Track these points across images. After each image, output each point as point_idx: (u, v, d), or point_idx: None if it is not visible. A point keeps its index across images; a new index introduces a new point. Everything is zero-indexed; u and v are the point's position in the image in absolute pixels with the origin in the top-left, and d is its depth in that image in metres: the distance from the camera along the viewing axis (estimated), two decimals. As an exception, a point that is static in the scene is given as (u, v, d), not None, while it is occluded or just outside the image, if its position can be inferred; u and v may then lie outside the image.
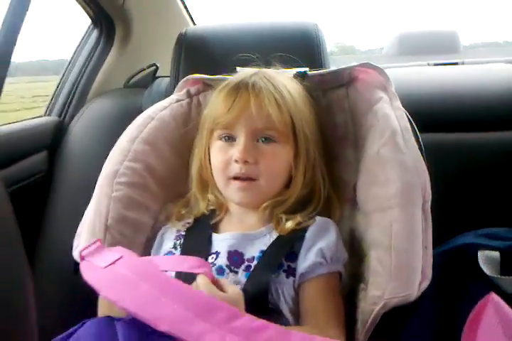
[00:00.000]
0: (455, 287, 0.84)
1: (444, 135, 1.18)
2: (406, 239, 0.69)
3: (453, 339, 0.54)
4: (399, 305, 0.65)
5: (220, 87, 0.85)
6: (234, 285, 0.67)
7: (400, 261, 0.68)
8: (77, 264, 0.73)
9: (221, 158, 0.80)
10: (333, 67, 0.97)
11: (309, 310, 0.72)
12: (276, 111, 0.78)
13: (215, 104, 0.83)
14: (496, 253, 0.92)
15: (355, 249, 0.78)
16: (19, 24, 0.97)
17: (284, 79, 0.84)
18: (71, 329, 0.60)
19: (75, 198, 1.10)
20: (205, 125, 0.85)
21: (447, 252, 0.94)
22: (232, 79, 0.85)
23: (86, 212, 0.82)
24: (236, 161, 0.78)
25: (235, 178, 0.79)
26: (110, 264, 0.61)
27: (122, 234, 0.80)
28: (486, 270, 0.90)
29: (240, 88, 0.80)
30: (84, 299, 0.67)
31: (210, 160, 0.85)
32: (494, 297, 0.45)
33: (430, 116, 1.15)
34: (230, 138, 0.80)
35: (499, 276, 0.89)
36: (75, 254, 0.75)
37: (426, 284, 0.66)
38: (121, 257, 0.62)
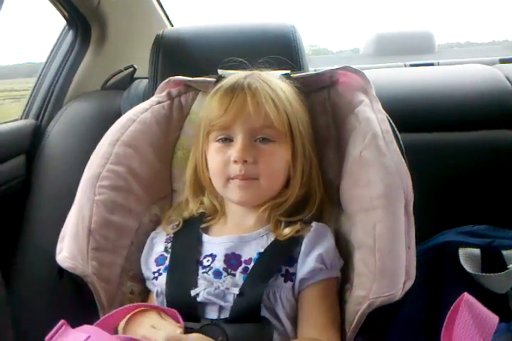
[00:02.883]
0: (438, 285, 0.86)
1: (421, 135, 1.21)
2: (389, 239, 0.70)
3: (437, 337, 0.56)
4: (383, 304, 0.65)
5: (215, 90, 0.84)
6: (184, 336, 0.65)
7: (383, 261, 0.69)
8: (61, 269, 0.73)
9: (219, 159, 0.80)
10: (310, 69, 0.97)
11: (309, 315, 0.73)
12: (273, 110, 0.78)
13: (211, 107, 0.83)
14: (477, 251, 0.95)
15: (340, 250, 0.78)
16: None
17: (277, 79, 0.85)
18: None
19: (54, 202, 1.09)
20: (201, 128, 0.85)
21: (429, 250, 0.96)
22: (225, 81, 0.85)
23: (68, 217, 0.80)
24: (235, 161, 0.78)
25: (234, 178, 0.79)
26: None
27: (106, 238, 0.80)
28: (467, 267, 0.92)
29: (236, 89, 0.80)
30: (67, 303, 0.67)
31: (207, 163, 0.84)
32: (468, 297, 0.46)
33: (407, 116, 1.16)
34: (228, 140, 0.80)
35: (480, 273, 0.92)
36: (59, 259, 0.74)
37: (410, 284, 0.67)
38: (88, 338, 0.60)
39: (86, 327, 0.62)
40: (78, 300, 0.74)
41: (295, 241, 0.77)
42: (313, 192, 0.83)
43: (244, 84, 0.80)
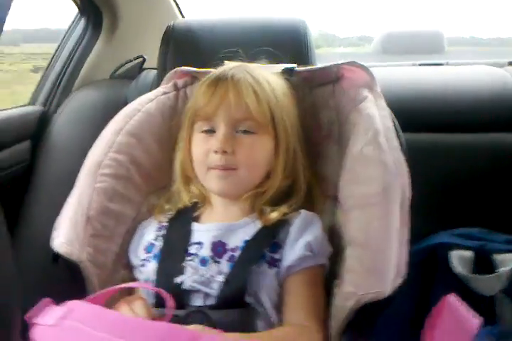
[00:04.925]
0: (428, 285, 0.86)
1: (427, 135, 1.20)
2: (382, 237, 0.70)
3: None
4: (372, 301, 0.65)
5: (203, 80, 0.86)
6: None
7: (374, 258, 0.69)
8: (55, 254, 0.74)
9: (201, 149, 0.81)
10: (318, 64, 0.97)
11: (293, 302, 0.73)
12: (254, 102, 0.79)
13: (197, 97, 0.84)
14: (469, 253, 0.95)
15: (333, 245, 0.78)
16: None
17: (265, 72, 0.85)
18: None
19: (56, 188, 1.09)
20: (187, 118, 0.86)
21: (422, 250, 0.96)
22: (214, 72, 0.86)
23: (67, 203, 0.81)
24: (215, 152, 0.79)
25: (215, 168, 0.80)
26: (58, 320, 0.59)
27: (104, 225, 0.80)
28: (458, 269, 0.92)
29: (220, 80, 0.81)
30: (64, 288, 0.67)
31: (191, 152, 0.85)
32: (450, 298, 0.47)
33: (414, 116, 1.17)
34: (210, 131, 0.81)
35: (469, 275, 0.92)
36: (55, 244, 0.75)
37: (399, 281, 0.67)
38: (72, 310, 0.60)
39: (70, 302, 0.62)
40: (70, 287, 0.75)
41: (282, 225, 0.77)
42: (299, 184, 0.83)
43: (228, 75, 0.81)
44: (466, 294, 0.90)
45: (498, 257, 0.97)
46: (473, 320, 0.46)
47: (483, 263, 0.97)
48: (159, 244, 0.80)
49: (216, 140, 0.79)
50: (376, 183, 0.74)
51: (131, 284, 0.70)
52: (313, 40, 1.20)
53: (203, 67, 0.95)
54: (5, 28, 0.67)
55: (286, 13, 1.29)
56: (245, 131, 0.80)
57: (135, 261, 0.82)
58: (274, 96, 0.81)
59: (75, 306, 0.61)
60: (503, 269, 0.95)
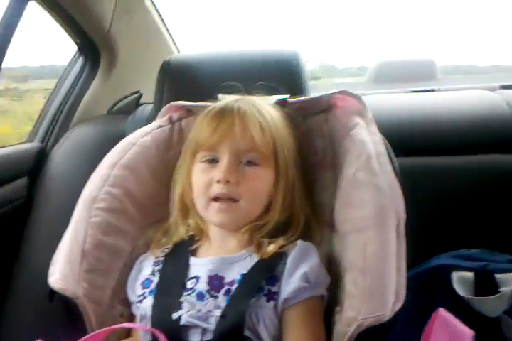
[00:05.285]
0: (430, 308, 0.85)
1: (421, 159, 1.21)
2: (379, 260, 0.70)
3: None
4: (372, 325, 0.65)
5: (205, 112, 0.86)
6: None
7: (373, 282, 0.69)
8: (52, 291, 0.73)
9: (203, 179, 0.81)
10: (313, 93, 0.99)
11: (292, 335, 0.72)
12: (259, 134, 0.79)
13: (200, 128, 0.84)
14: (470, 274, 0.94)
15: (332, 273, 0.78)
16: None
17: (267, 105, 0.86)
18: None
19: (54, 224, 1.09)
20: (188, 148, 0.86)
21: (422, 274, 0.95)
22: (217, 104, 0.86)
23: (63, 238, 0.81)
24: (218, 181, 0.79)
25: (216, 199, 0.79)
26: None
27: (99, 260, 0.80)
28: (460, 291, 0.91)
29: (225, 112, 0.82)
30: (63, 325, 0.66)
31: (191, 183, 0.85)
32: (442, 312, 0.46)
33: (407, 141, 1.18)
34: (213, 161, 0.81)
35: (472, 297, 0.90)
36: (51, 280, 0.74)
37: (399, 305, 0.66)
38: None
39: None
40: (69, 323, 0.74)
41: (279, 258, 0.76)
42: (297, 216, 0.83)
43: (234, 107, 0.82)
44: (471, 316, 0.89)
45: (501, 277, 0.96)
46: (467, 332, 0.45)
47: (486, 284, 0.96)
48: (156, 279, 0.79)
49: (220, 170, 0.79)
50: (370, 206, 0.74)
51: (125, 325, 0.69)
52: (306, 71, 1.22)
53: (198, 101, 0.96)
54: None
55: (283, 46, 1.32)
56: (249, 163, 0.80)
57: (132, 296, 0.81)
58: (276, 129, 0.82)
59: None
60: (505, 289, 0.93)
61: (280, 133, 0.83)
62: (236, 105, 0.83)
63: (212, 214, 0.80)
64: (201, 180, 0.81)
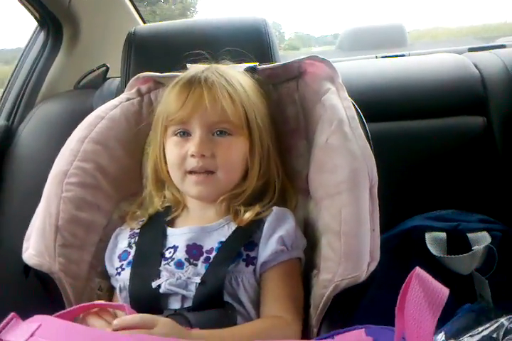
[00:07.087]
0: (405, 269, 0.87)
1: (393, 123, 1.22)
2: (354, 223, 0.71)
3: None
4: (349, 286, 0.66)
5: (173, 84, 0.85)
6: (156, 316, 0.65)
7: (348, 244, 0.70)
8: (27, 267, 0.73)
9: (177, 153, 0.80)
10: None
11: (270, 297, 0.74)
12: (229, 105, 0.79)
13: (168, 101, 0.83)
14: (443, 234, 0.96)
15: (308, 237, 0.79)
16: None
17: (236, 73, 0.85)
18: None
19: (24, 202, 1.07)
20: (158, 122, 0.85)
21: (397, 235, 0.97)
22: (184, 75, 0.85)
23: (35, 214, 0.80)
24: (192, 156, 0.78)
25: (192, 172, 0.79)
26: (28, 338, 0.57)
27: (74, 235, 0.79)
28: (433, 250, 0.94)
29: (193, 83, 0.81)
30: (35, 302, 0.66)
31: (165, 157, 0.84)
32: (419, 271, 0.47)
33: (378, 106, 1.18)
34: (185, 134, 0.81)
35: (445, 256, 0.93)
36: (25, 257, 0.74)
37: (374, 265, 0.68)
38: (39, 326, 0.58)
39: (37, 317, 0.60)
40: (46, 299, 0.74)
41: (256, 224, 0.77)
42: (272, 182, 0.84)
43: (201, 78, 0.81)
44: (445, 274, 0.92)
45: (473, 236, 0.99)
46: (443, 290, 0.46)
47: (459, 243, 0.99)
48: (133, 250, 0.80)
49: (193, 144, 0.78)
50: (343, 170, 0.75)
51: (98, 303, 0.68)
52: (275, 39, 1.21)
53: (166, 71, 0.95)
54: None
55: (247, 15, 1.29)
56: (221, 133, 0.80)
57: (110, 269, 0.81)
58: (247, 97, 0.81)
59: (43, 322, 0.59)
60: (477, 247, 0.96)
61: (251, 101, 0.82)
62: (203, 75, 0.81)
63: (189, 186, 0.80)
64: (175, 153, 0.81)
